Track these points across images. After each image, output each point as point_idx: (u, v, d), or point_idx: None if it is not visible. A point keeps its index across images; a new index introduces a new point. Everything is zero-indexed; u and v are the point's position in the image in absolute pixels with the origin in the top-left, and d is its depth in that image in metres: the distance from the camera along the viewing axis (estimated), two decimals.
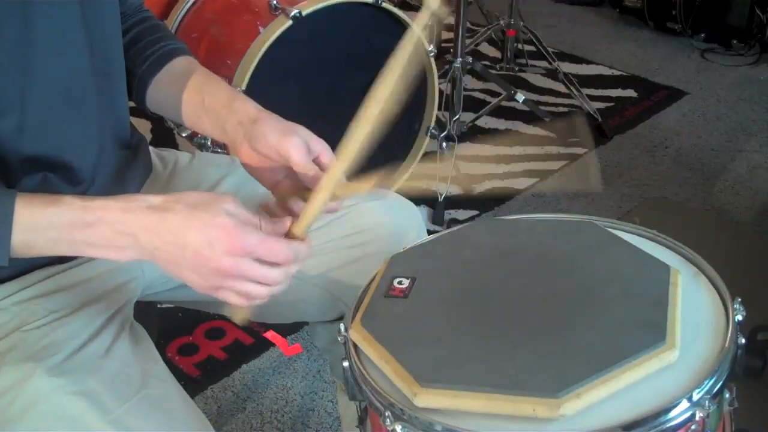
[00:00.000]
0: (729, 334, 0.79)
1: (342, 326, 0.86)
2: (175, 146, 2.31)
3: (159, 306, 1.26)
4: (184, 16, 2.09)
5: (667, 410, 0.72)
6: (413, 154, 2.22)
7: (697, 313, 0.83)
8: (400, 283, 0.90)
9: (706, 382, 0.74)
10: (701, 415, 0.73)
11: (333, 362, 1.26)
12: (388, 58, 0.84)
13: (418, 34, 0.83)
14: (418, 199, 1.38)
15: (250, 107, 0.95)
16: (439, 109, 2.21)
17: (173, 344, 1.82)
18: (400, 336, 0.83)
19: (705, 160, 2.48)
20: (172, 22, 2.08)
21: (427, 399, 0.75)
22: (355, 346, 0.84)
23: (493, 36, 3.04)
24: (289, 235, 0.83)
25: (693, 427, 0.73)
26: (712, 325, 0.82)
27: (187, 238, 0.77)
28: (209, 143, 1.95)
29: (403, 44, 0.84)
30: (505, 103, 2.64)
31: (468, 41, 2.64)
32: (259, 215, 0.81)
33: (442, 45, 2.99)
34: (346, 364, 0.83)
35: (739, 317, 0.80)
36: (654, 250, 0.92)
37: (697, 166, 2.45)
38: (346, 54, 2.03)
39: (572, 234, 0.95)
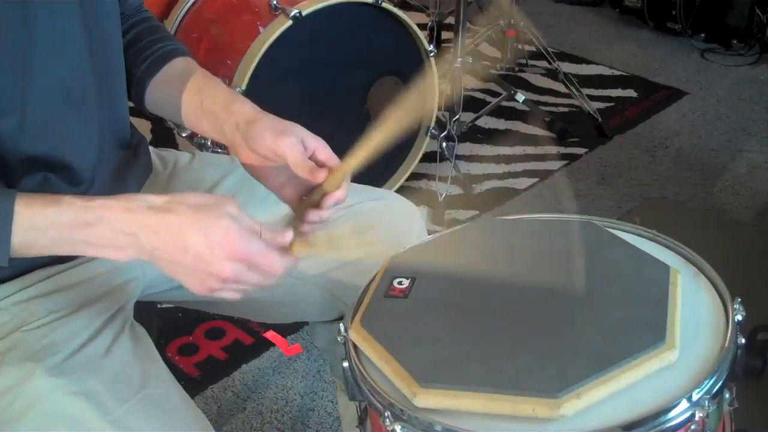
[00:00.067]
0: (729, 334, 0.79)
1: (342, 326, 0.86)
2: (175, 146, 2.31)
3: (159, 306, 1.26)
4: (184, 16, 2.10)
5: (667, 410, 0.72)
6: (413, 154, 2.22)
7: (697, 313, 0.83)
8: (400, 283, 0.90)
9: (706, 382, 0.74)
10: (701, 415, 0.73)
11: (333, 362, 1.26)
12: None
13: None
14: (418, 199, 1.38)
15: (247, 109, 0.95)
16: (439, 109, 2.22)
17: (173, 344, 1.82)
18: (399, 336, 0.83)
19: (705, 160, 2.48)
20: (172, 22, 2.08)
21: (427, 399, 0.75)
22: (355, 346, 0.84)
23: (493, 36, 3.04)
24: (287, 249, 0.83)
25: (693, 427, 0.73)
26: (711, 325, 0.82)
27: (189, 239, 0.77)
28: (209, 143, 1.95)
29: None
30: (505, 103, 2.64)
31: (468, 41, 2.64)
32: (259, 222, 0.81)
33: (442, 45, 2.99)
34: (345, 364, 0.83)
35: (739, 317, 0.80)
36: (654, 250, 0.92)
37: (697, 166, 2.45)
38: (346, 54, 2.03)
39: (572, 234, 0.95)
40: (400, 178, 2.22)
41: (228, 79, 1.87)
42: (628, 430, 0.71)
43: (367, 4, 1.94)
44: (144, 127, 2.39)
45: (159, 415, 0.87)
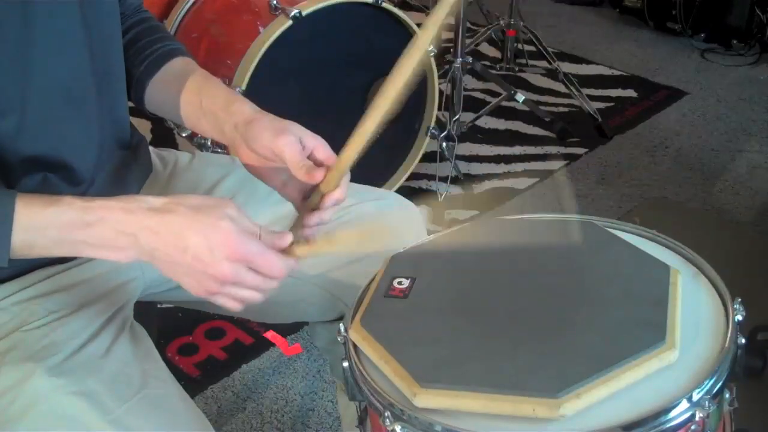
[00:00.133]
0: (729, 334, 0.79)
1: (342, 326, 0.86)
2: (175, 146, 2.31)
3: (159, 306, 1.26)
4: (184, 16, 2.09)
5: (667, 410, 0.72)
6: (413, 154, 2.22)
7: (697, 313, 0.83)
8: (399, 283, 0.90)
9: (706, 382, 0.74)
10: (701, 415, 0.73)
11: (333, 362, 1.26)
12: (400, 57, 0.84)
13: (431, 33, 0.82)
14: (418, 199, 1.38)
15: (246, 109, 0.95)
16: (439, 109, 2.22)
17: (173, 344, 1.82)
18: (399, 336, 0.83)
19: (705, 160, 2.48)
20: (172, 22, 2.08)
21: (427, 399, 0.75)
22: (355, 346, 0.84)
23: (493, 36, 3.04)
24: (288, 250, 0.83)
25: (693, 427, 0.73)
26: (712, 325, 0.82)
27: (188, 240, 0.77)
28: (209, 143, 1.95)
29: (415, 43, 0.83)
30: (505, 103, 2.64)
31: (468, 41, 2.64)
32: (258, 225, 0.81)
33: (442, 45, 2.99)
34: (345, 364, 0.83)
35: (739, 317, 0.80)
36: (654, 250, 0.92)
37: (697, 166, 2.45)
38: (346, 54, 2.03)
39: (572, 234, 0.95)
40: (400, 178, 2.22)
41: (228, 79, 1.87)
42: (628, 430, 0.71)
43: (367, 4, 1.94)
44: (144, 127, 2.39)
45: (159, 415, 0.87)
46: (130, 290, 1.02)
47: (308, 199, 0.93)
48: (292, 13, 1.83)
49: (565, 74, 2.70)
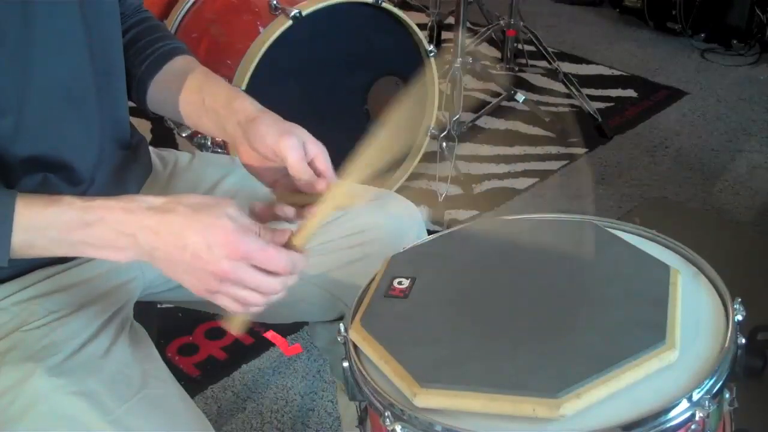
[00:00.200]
0: (729, 334, 0.79)
1: (342, 326, 0.86)
2: (175, 146, 2.31)
3: (159, 306, 1.26)
4: (184, 16, 2.10)
5: (667, 410, 0.72)
6: (413, 154, 2.22)
7: (697, 313, 0.83)
8: (400, 283, 0.90)
9: (706, 382, 0.74)
10: (701, 415, 0.73)
11: (333, 362, 1.26)
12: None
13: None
14: (418, 199, 1.38)
15: (249, 106, 0.95)
16: (439, 109, 2.22)
17: (173, 344, 1.82)
18: (399, 336, 0.83)
19: (705, 160, 2.48)
20: (172, 22, 2.08)
21: (427, 399, 0.75)
22: (355, 346, 0.84)
23: (493, 36, 3.04)
24: (288, 245, 0.83)
25: (693, 427, 0.73)
26: (712, 325, 0.82)
27: (187, 239, 0.77)
28: (209, 143, 1.95)
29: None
30: (505, 103, 2.64)
31: (468, 41, 2.64)
32: (258, 224, 0.81)
33: (442, 45, 2.99)
34: (346, 364, 0.83)
35: (739, 317, 0.80)
36: (654, 250, 0.92)
37: (697, 166, 2.45)
38: (346, 54, 2.03)
39: (572, 234, 0.95)
40: (400, 178, 2.22)
41: (228, 79, 1.86)
42: (628, 430, 0.71)
43: (367, 4, 1.94)
44: (144, 127, 2.39)
45: (159, 415, 0.87)
46: (130, 290, 1.02)
47: (292, 195, 0.92)
48: (292, 13, 1.83)
49: (565, 74, 2.70)
